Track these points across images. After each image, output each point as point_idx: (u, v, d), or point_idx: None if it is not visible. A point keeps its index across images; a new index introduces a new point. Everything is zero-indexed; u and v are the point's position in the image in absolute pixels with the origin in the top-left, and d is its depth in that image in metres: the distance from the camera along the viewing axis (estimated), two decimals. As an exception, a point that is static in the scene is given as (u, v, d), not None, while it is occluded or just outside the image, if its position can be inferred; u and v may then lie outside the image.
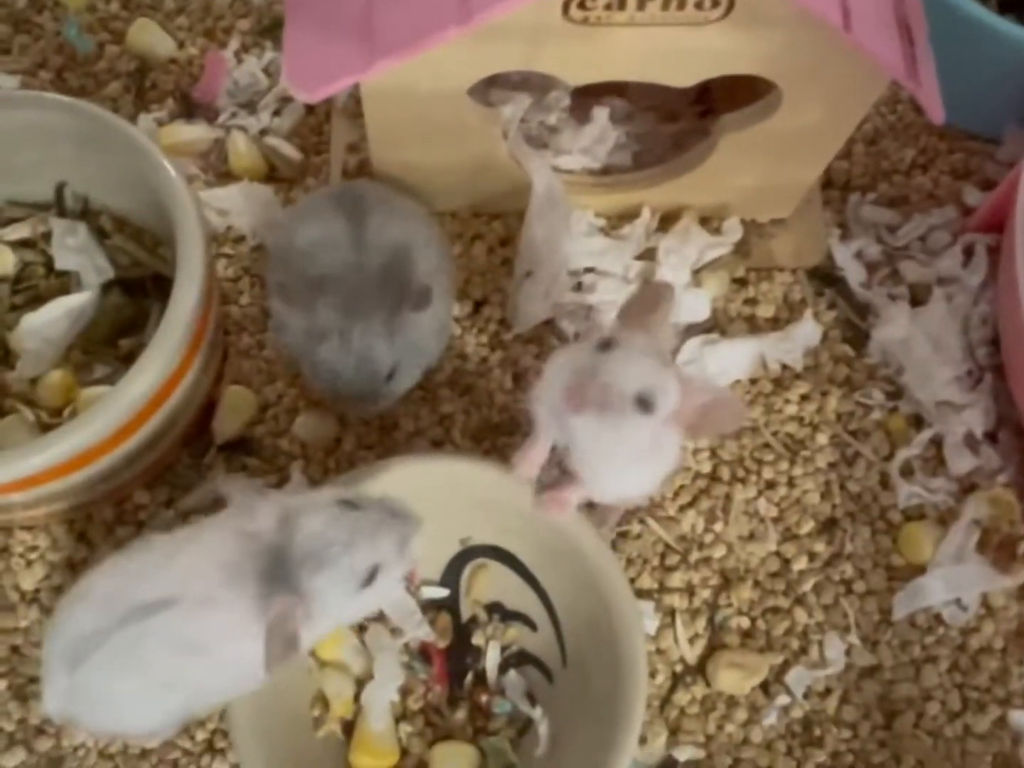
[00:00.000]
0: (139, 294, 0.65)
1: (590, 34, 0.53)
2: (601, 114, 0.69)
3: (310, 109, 0.74)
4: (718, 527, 0.63)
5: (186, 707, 0.49)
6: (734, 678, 0.60)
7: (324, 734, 0.56)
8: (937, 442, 0.66)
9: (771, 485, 0.65)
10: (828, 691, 0.61)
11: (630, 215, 0.70)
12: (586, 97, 0.70)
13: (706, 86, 0.63)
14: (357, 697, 0.57)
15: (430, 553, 0.59)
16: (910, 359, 0.67)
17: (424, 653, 0.59)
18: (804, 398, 0.67)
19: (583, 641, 0.56)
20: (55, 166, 0.64)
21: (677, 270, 0.68)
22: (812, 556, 0.63)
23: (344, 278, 0.56)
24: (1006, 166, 0.74)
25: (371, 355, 0.56)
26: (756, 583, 0.63)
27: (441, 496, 0.56)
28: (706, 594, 0.62)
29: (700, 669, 0.61)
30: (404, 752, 0.57)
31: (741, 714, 0.60)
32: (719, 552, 0.63)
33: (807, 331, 0.68)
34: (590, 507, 0.57)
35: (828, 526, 0.64)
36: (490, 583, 0.60)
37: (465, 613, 0.60)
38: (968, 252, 0.71)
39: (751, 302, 0.70)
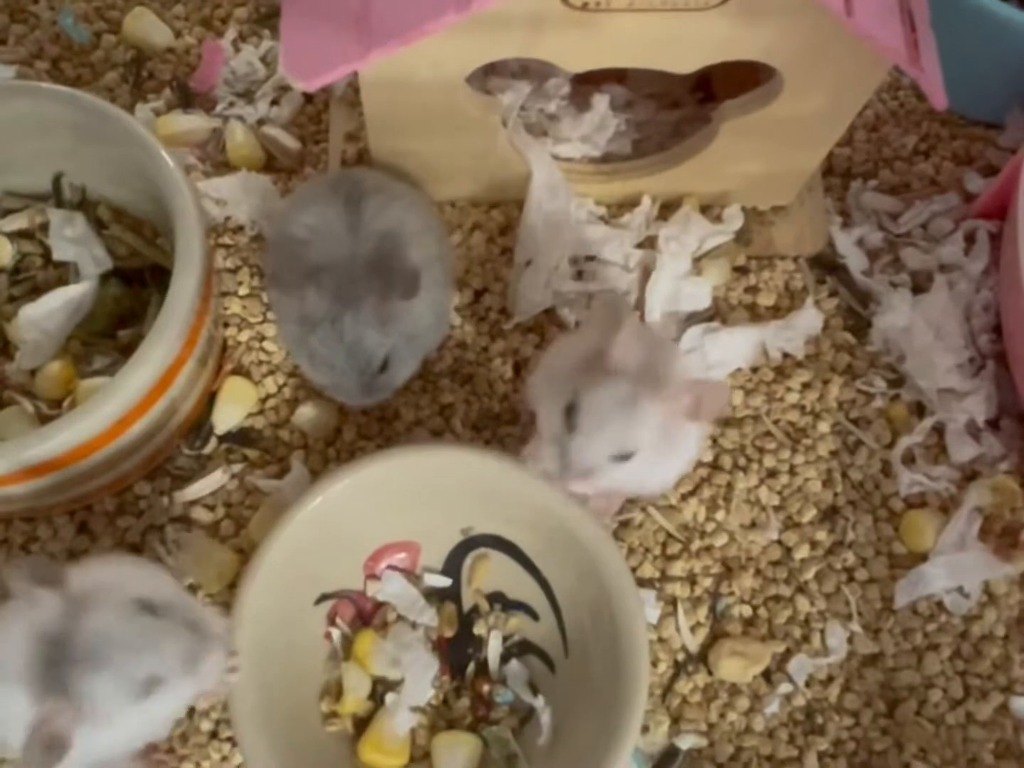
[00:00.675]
0: (138, 285, 0.65)
1: (590, 21, 0.53)
2: (601, 101, 0.69)
3: (308, 98, 0.74)
4: (720, 516, 0.63)
5: None
6: (736, 666, 0.60)
7: (333, 728, 0.57)
8: (939, 430, 0.66)
9: (773, 473, 0.65)
10: (830, 679, 0.61)
11: (630, 203, 0.70)
12: (585, 84, 0.70)
13: (706, 73, 0.63)
14: (371, 694, 0.58)
15: (432, 543, 0.60)
16: (912, 347, 0.67)
17: (438, 646, 0.60)
18: (806, 386, 0.67)
19: (585, 630, 0.56)
20: (52, 157, 0.64)
21: (678, 258, 0.67)
22: (814, 544, 0.63)
23: (337, 265, 0.55)
24: (1008, 152, 0.74)
25: (362, 344, 0.55)
26: (758, 571, 0.63)
27: (442, 486, 0.57)
28: (708, 583, 0.62)
29: (702, 658, 0.61)
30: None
31: (743, 702, 0.60)
32: (721, 541, 0.63)
33: (808, 319, 0.68)
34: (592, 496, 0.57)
35: (830, 514, 0.64)
36: (492, 573, 0.60)
37: (467, 603, 0.60)
38: (970, 239, 0.71)
39: (752, 290, 0.69)
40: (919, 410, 0.67)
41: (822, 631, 0.62)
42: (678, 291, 0.67)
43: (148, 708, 0.44)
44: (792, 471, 0.65)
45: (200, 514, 0.62)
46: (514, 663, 0.59)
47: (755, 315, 0.69)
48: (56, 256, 0.65)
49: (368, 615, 0.60)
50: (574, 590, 0.57)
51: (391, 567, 0.60)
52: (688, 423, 0.49)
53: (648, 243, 0.69)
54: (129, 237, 0.66)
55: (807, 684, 0.61)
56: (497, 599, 0.60)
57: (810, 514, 0.64)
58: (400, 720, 0.56)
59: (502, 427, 0.65)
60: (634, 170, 0.69)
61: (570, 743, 0.55)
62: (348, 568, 0.59)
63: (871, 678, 0.61)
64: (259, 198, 0.69)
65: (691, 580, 0.62)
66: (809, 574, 0.63)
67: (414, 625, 0.59)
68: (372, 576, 0.60)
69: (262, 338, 0.67)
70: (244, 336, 0.66)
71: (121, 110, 0.59)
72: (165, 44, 0.76)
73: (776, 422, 0.66)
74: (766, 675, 0.61)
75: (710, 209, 0.70)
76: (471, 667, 0.59)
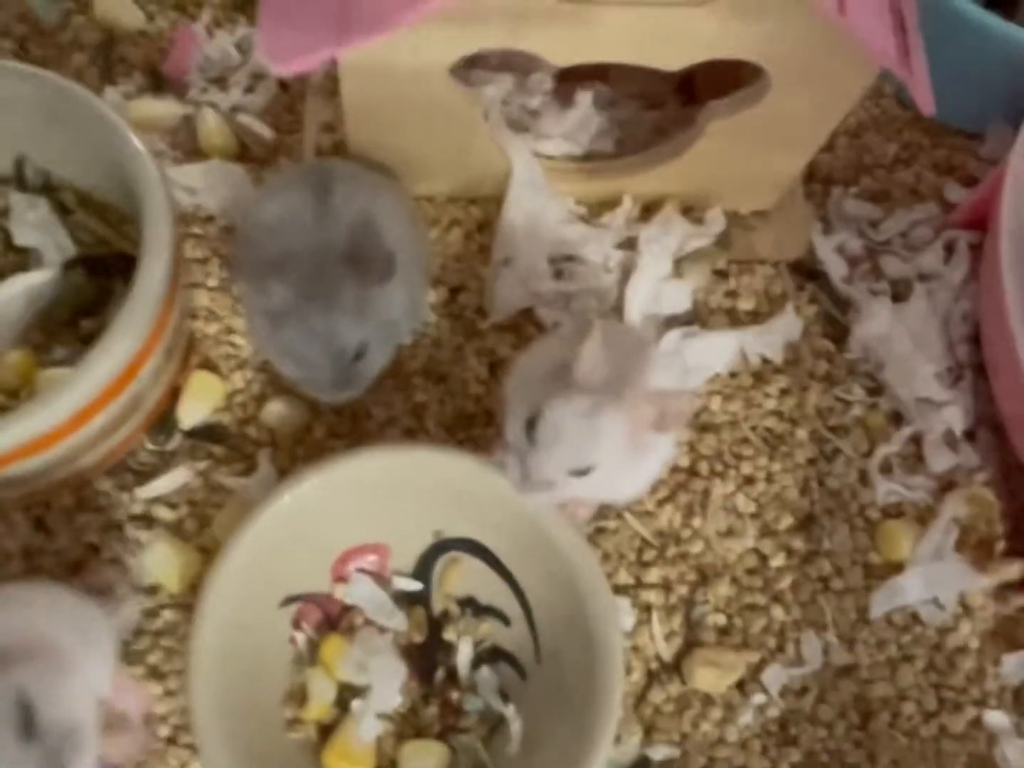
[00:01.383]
0: (102, 273, 0.63)
1: (578, 13, 0.52)
2: (584, 98, 0.68)
3: (284, 87, 0.73)
4: (696, 522, 0.63)
5: None
6: (710, 676, 0.59)
7: (297, 735, 0.55)
8: (916, 439, 0.66)
9: (750, 480, 0.64)
10: (804, 690, 0.60)
11: (611, 203, 0.69)
12: (569, 82, 0.69)
13: (690, 73, 0.62)
14: (337, 701, 0.56)
15: (403, 545, 0.59)
16: (891, 355, 0.67)
17: (406, 652, 0.58)
18: (784, 392, 0.67)
19: (558, 637, 0.55)
20: (15, 138, 0.62)
21: (658, 260, 0.67)
22: (790, 553, 0.63)
23: (305, 254, 0.54)
24: (988, 163, 0.74)
25: (335, 333, 0.54)
26: (733, 579, 0.62)
27: (414, 487, 0.55)
28: (683, 590, 0.61)
29: (676, 667, 0.60)
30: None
31: (716, 713, 0.59)
32: (696, 548, 0.62)
33: (788, 325, 0.67)
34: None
35: (806, 523, 0.64)
36: (463, 577, 0.59)
37: (437, 607, 0.59)
38: (949, 248, 0.71)
39: (732, 294, 0.69)
40: (897, 419, 0.67)
41: (797, 641, 0.61)
42: (658, 293, 0.67)
43: None
44: (769, 478, 0.64)
45: (163, 512, 0.60)
46: (484, 670, 0.58)
47: (734, 320, 0.68)
48: (17, 241, 0.63)
49: (335, 619, 0.58)
50: (547, 595, 0.56)
51: (360, 570, 0.59)
52: (654, 433, 0.49)
53: (628, 244, 0.68)
54: (94, 223, 0.64)
55: (781, 695, 0.60)
56: (468, 604, 0.59)
57: (787, 522, 0.63)
58: (366, 727, 0.55)
59: (476, 428, 0.63)
60: (616, 169, 0.68)
61: (541, 752, 0.53)
62: (315, 570, 0.58)
63: (845, 689, 0.60)
64: (231, 187, 0.68)
65: (666, 587, 0.61)
66: (785, 583, 0.62)
67: (382, 630, 0.58)
68: (340, 579, 0.58)
69: (230, 331, 0.65)
70: (212, 329, 0.65)
71: (88, 91, 0.57)
72: (136, 27, 0.74)
73: (754, 428, 0.66)
74: (740, 685, 0.60)
75: (692, 211, 0.70)
76: (440, 673, 0.58)
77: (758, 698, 0.59)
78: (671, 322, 0.67)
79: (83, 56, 0.72)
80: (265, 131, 0.71)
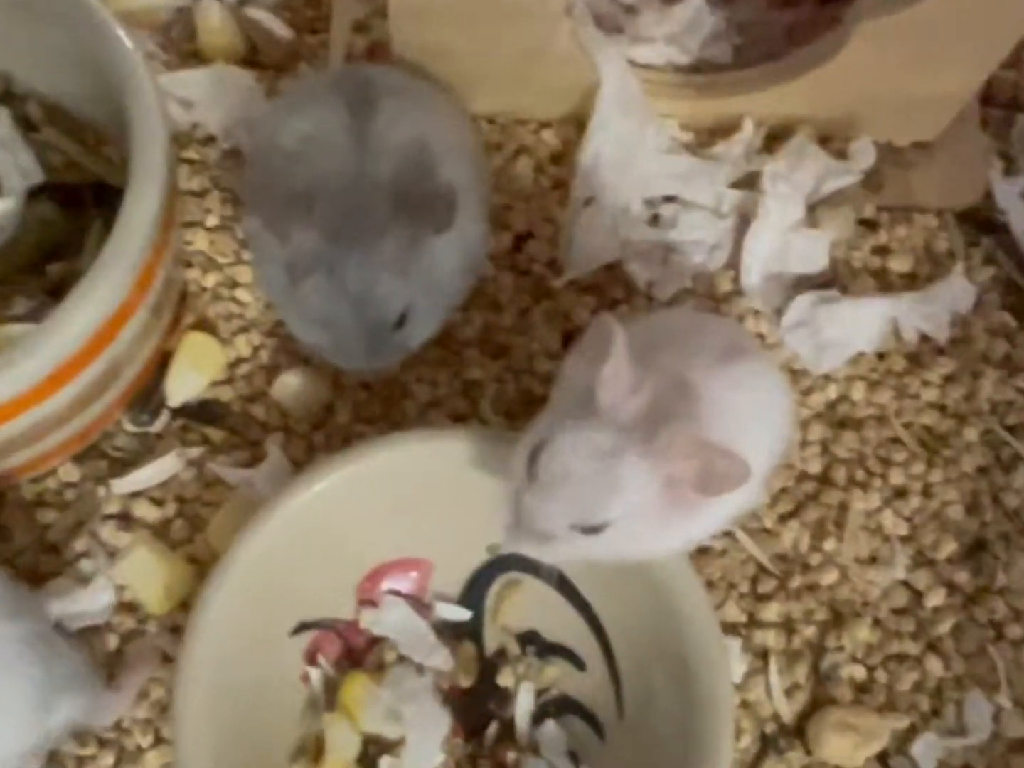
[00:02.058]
0: (74, 206, 0.64)
1: None
2: (695, -8, 0.69)
3: (305, -26, 0.74)
4: (829, 545, 0.63)
5: None
6: (844, 745, 0.59)
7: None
8: (1120, 445, 0.66)
9: (901, 493, 0.64)
10: (967, 767, 0.60)
11: (726, 129, 0.69)
12: (674, -30, 0.69)
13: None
14: (360, 757, 0.57)
15: (448, 562, 0.59)
16: (1092, 335, 0.66)
17: (450, 698, 0.59)
18: (948, 380, 0.67)
19: (648, 687, 0.55)
20: (-31, 35, 0.63)
21: (787, 203, 0.66)
22: (952, 589, 0.63)
23: (339, 188, 0.54)
24: None
25: (374, 292, 0.54)
26: (876, 621, 0.62)
27: (462, 487, 0.56)
28: (810, 632, 0.61)
29: (799, 731, 0.60)
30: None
31: (851, 793, 0.59)
32: (829, 578, 0.62)
33: (955, 292, 0.67)
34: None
35: (975, 550, 0.64)
36: (525, 605, 0.59)
37: (491, 643, 0.59)
38: None
39: (882, 251, 0.69)
40: (1097, 419, 0.66)
41: (958, 703, 0.61)
42: (786, 247, 0.67)
43: None
44: (926, 491, 0.64)
45: (144, 510, 0.61)
46: (550, 725, 0.58)
47: (885, 284, 0.68)
48: (-30, 163, 0.64)
49: (360, 653, 0.59)
50: (635, 633, 0.56)
51: (393, 591, 0.59)
52: (693, 495, 0.46)
53: (748, 182, 0.68)
54: (66, 143, 0.65)
55: (936, 773, 0.60)
56: (531, 640, 0.59)
57: (948, 549, 0.63)
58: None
59: (545, 415, 0.64)
60: (734, 85, 0.68)
61: (622, 834, 0.54)
62: (336, 590, 0.58)
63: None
64: (237, 100, 0.69)
65: (788, 628, 0.61)
66: (944, 628, 0.62)
67: (420, 669, 0.58)
68: (367, 602, 0.59)
69: (234, 284, 0.66)
70: (210, 280, 0.66)
71: (62, -26, 0.59)
72: None
73: (907, 426, 0.66)
74: (882, 758, 0.60)
75: (831, 141, 0.70)
76: (493, 728, 0.58)
77: (905, 776, 0.60)
78: (802, 284, 0.67)
79: (55, -68, 0.74)
80: (281, 29, 0.72)
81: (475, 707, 0.59)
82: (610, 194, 0.66)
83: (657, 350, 0.49)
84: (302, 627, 0.57)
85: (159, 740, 0.57)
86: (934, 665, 0.61)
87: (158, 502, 0.62)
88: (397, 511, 0.57)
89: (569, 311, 0.66)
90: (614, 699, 0.57)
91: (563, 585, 0.58)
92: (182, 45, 0.71)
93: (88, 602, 0.59)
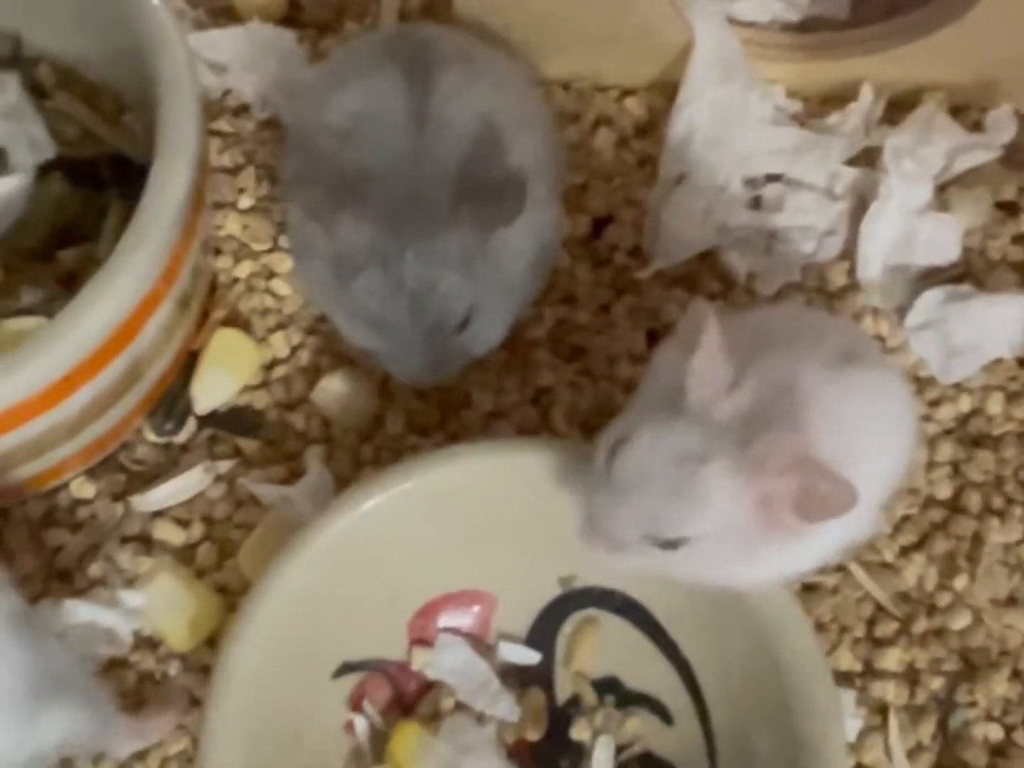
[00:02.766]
0: (90, 184, 0.65)
1: None
2: (805, -65, 0.69)
3: (354, -80, 0.75)
4: (960, 583, 0.62)
5: None
6: (976, 818, 0.58)
7: None
8: None
9: (1046, 524, 0.64)
10: (1122, 842, 0.60)
11: (842, 96, 0.69)
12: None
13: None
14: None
15: (514, 596, 0.60)
16: None
17: (516, 752, 0.59)
18: (1105, 392, 0.66)
19: (745, 744, 0.55)
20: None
21: (912, 183, 0.66)
22: (1108, 638, 0.62)
23: (394, 172, 0.55)
24: None
25: (435, 291, 0.55)
26: (1016, 673, 0.61)
27: (530, 510, 0.56)
28: (937, 685, 0.61)
29: (924, 800, 0.60)
30: None
31: None
32: (960, 622, 0.62)
33: (1112, 288, 0.67)
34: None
35: None
36: (603, 647, 0.59)
37: (563, 691, 0.60)
38: None
39: (1024, 239, 0.69)
40: None
41: (1116, 774, 0.60)
42: (911, 234, 0.66)
43: None
44: (1077, 522, 0.64)
45: (168, 532, 0.62)
46: (631, 786, 0.59)
47: (1028, 279, 0.68)
48: (-25, 135, 0.65)
49: (412, 699, 0.60)
50: (732, 681, 0.56)
51: (450, 629, 0.60)
52: (790, 519, 0.46)
53: (867, 158, 0.68)
54: (81, 111, 0.66)
55: (1088, 857, 0.59)
56: (610, 688, 0.59)
57: (1103, 590, 0.63)
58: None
59: (627, 427, 0.64)
60: (850, 45, 0.68)
61: None
62: (385, 627, 0.59)
63: None
64: (276, 64, 0.70)
65: (911, 679, 0.61)
66: (1098, 683, 0.61)
67: (481, 719, 0.59)
68: (420, 641, 0.60)
69: (270, 274, 0.67)
70: (244, 270, 0.67)
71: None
72: None
73: (1056, 444, 0.65)
74: (1023, 836, 0.60)
75: (965, 111, 0.70)
76: (566, 788, 0.59)
77: (1050, 858, 0.59)
78: (930, 277, 0.67)
79: None
80: (326, -17, 0.73)
81: (544, 764, 0.59)
82: (704, 172, 0.66)
83: (759, 350, 0.48)
84: (346, 669, 0.58)
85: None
86: (1086, 726, 0.61)
87: (183, 523, 0.62)
88: (455, 537, 0.57)
89: (656, 307, 0.66)
90: (706, 758, 0.57)
91: (647, 623, 0.58)
92: (213, 2, 0.72)
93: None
